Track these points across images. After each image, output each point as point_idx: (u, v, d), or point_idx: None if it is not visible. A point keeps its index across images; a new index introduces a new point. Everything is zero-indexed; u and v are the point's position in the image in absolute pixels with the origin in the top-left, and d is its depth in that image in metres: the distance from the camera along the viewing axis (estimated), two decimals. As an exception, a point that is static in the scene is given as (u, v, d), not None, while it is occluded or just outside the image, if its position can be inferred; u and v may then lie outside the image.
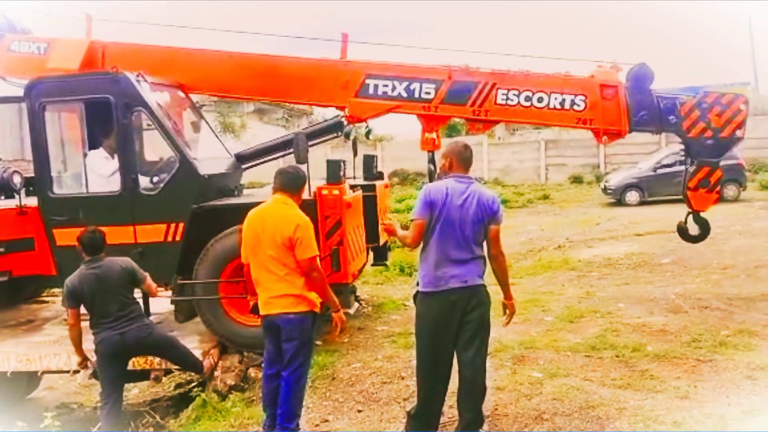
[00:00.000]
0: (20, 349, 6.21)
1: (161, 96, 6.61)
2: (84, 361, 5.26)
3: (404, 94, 6.77)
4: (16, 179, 7.05)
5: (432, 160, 7.15)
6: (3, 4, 7.31)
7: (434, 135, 6.91)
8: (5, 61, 7.11)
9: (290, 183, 4.47)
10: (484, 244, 4.05)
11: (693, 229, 7.18)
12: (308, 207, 5.87)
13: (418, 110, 6.81)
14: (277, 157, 7.45)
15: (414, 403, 4.31)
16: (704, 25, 51.61)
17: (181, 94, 7.18)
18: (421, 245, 4.02)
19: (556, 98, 6.69)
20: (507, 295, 4.22)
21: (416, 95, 6.76)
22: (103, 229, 5.39)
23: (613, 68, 6.87)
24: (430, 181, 7.65)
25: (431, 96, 6.75)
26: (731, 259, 9.67)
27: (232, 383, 5.84)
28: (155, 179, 6.39)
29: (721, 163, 6.87)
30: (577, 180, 24.68)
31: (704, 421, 4.32)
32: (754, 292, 7.72)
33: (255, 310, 4.64)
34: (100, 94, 6.20)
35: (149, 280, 5.32)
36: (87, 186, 6.34)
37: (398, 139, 28.28)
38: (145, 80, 6.35)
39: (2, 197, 7.11)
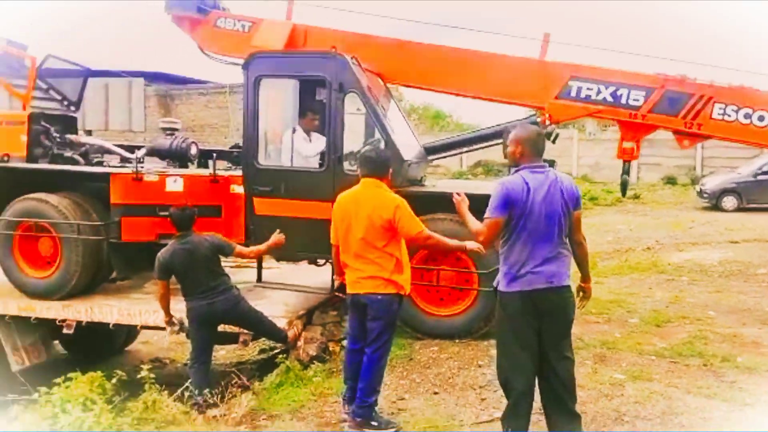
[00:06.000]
0: (123, 304, 6.69)
1: (369, 80, 6.61)
2: (170, 319, 5.64)
3: (609, 99, 6.47)
4: (193, 150, 7.48)
5: (627, 171, 6.94)
6: None
7: (633, 144, 6.63)
8: (210, 35, 7.42)
9: (379, 167, 4.56)
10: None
11: None
12: None
13: (624, 117, 6.51)
14: (461, 153, 7.18)
15: (503, 409, 4.06)
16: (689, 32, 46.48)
17: (381, 82, 7.13)
18: (501, 243, 3.88)
19: None
20: (587, 278, 4.13)
21: (623, 101, 6.44)
22: (304, 203, 5.48)
23: None
24: (624, 194, 7.40)
25: (639, 103, 6.41)
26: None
27: (314, 354, 6.03)
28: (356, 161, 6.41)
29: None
30: (671, 181, 23.61)
31: (796, 441, 4.17)
32: None
33: (340, 289, 4.78)
34: (317, 72, 6.32)
35: (239, 248, 5.66)
36: (292, 160, 6.50)
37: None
38: (359, 64, 6.41)
39: (176, 165, 7.45)
